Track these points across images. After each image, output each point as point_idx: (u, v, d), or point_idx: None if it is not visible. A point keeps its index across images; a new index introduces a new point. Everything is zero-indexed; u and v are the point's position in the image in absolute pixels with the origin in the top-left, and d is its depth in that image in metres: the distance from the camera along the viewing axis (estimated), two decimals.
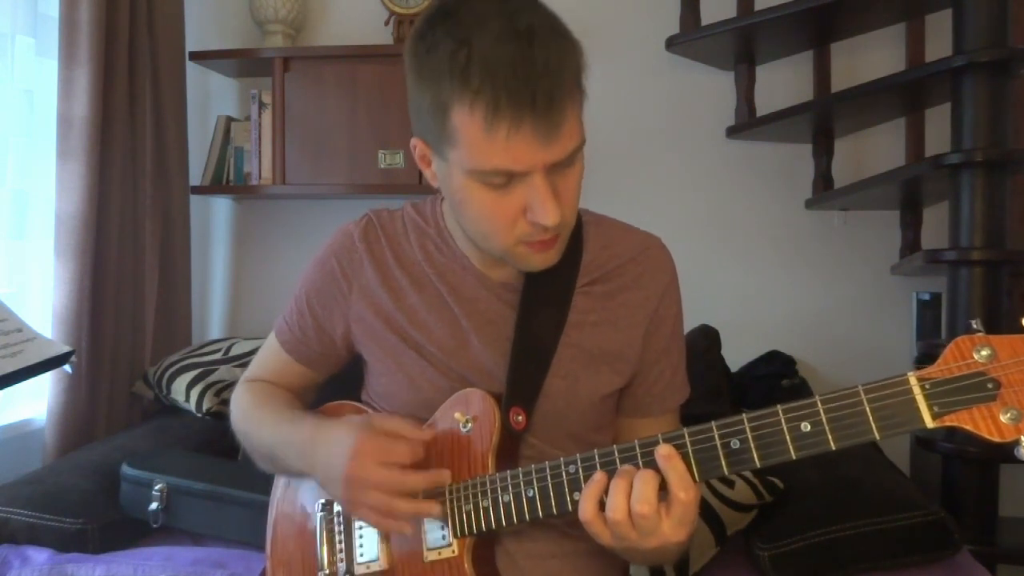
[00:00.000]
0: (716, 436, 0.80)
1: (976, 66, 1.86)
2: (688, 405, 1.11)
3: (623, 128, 2.43)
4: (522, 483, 0.89)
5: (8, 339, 1.26)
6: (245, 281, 2.66)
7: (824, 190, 2.28)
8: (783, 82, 2.36)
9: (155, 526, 1.60)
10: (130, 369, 2.19)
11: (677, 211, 2.43)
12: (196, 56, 2.43)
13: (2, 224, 1.96)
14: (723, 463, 0.80)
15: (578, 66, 0.85)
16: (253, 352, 2.15)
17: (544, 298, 1.00)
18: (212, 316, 2.68)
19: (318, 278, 1.09)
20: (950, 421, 0.73)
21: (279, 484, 1.13)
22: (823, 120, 2.25)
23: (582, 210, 1.07)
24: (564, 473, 0.87)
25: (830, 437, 0.76)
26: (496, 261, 1.01)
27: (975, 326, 0.74)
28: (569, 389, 1.00)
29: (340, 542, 1.01)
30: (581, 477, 0.86)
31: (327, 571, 1.00)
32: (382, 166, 2.31)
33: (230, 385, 2.07)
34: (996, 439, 0.72)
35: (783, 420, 0.78)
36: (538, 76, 0.80)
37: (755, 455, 0.79)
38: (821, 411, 0.77)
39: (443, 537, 0.94)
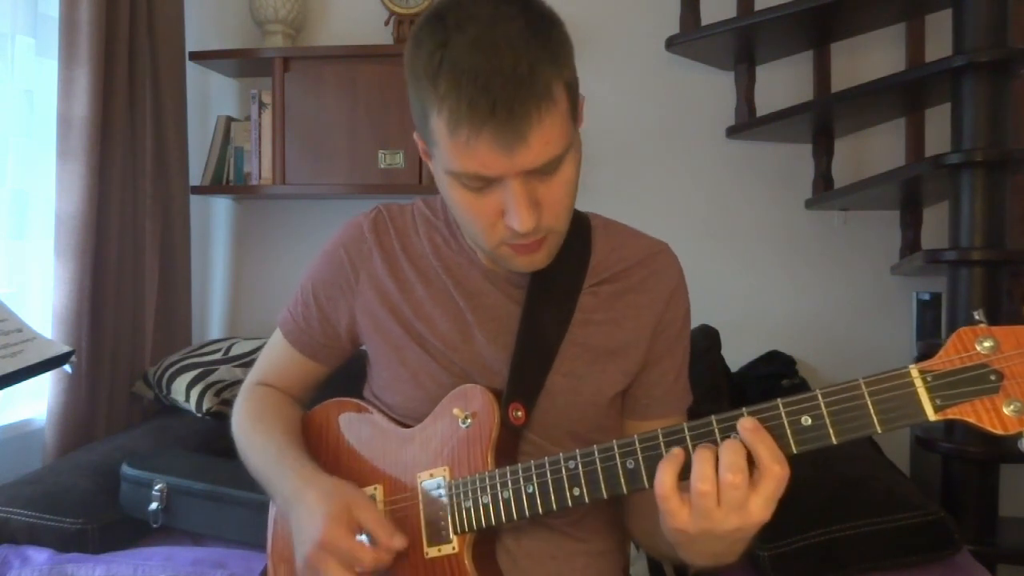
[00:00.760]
0: (716, 430, 0.80)
1: (976, 66, 1.86)
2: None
3: (623, 128, 2.43)
4: (522, 479, 0.89)
5: (8, 339, 1.26)
6: (245, 281, 2.66)
7: (824, 190, 2.28)
8: (783, 82, 2.36)
9: (155, 526, 1.60)
10: (130, 369, 2.19)
11: (677, 211, 2.43)
12: (196, 56, 2.43)
13: (2, 224, 1.96)
14: None
15: (555, 74, 0.83)
16: (253, 352, 2.15)
17: (550, 295, 1.00)
18: (212, 316, 2.68)
19: (325, 269, 1.09)
20: (952, 414, 0.72)
21: None
22: (823, 120, 2.25)
23: (591, 214, 1.08)
24: (564, 469, 0.87)
25: (831, 431, 0.75)
26: None
27: (977, 317, 0.73)
28: (571, 387, 1.00)
29: None
30: (581, 472, 0.86)
31: None
32: (382, 166, 2.31)
33: (230, 385, 2.07)
34: (999, 431, 0.71)
35: (783, 413, 0.77)
36: (500, 85, 0.80)
37: None
38: (822, 404, 0.76)
39: (443, 533, 0.94)
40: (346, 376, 1.17)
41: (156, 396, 2.14)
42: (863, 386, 0.75)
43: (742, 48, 2.30)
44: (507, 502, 0.90)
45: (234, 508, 1.56)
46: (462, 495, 0.93)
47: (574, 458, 0.87)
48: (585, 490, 0.86)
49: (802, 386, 2.17)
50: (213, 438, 1.91)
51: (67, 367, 1.38)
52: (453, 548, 0.93)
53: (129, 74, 2.13)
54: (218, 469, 1.64)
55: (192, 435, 1.95)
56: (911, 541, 1.37)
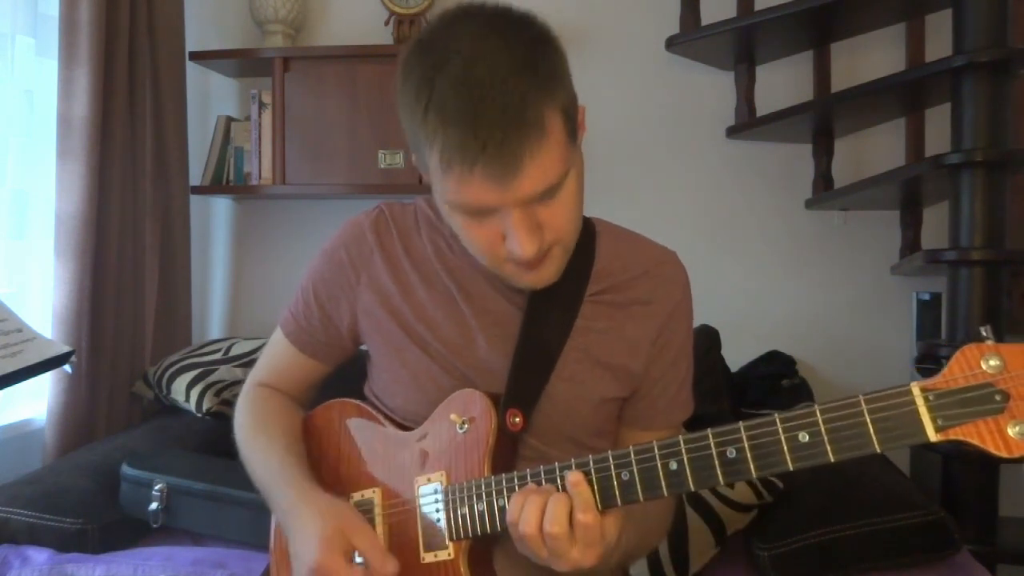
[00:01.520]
0: (712, 444, 0.79)
1: (976, 66, 1.86)
2: None
3: (623, 128, 2.43)
4: (517, 487, 0.88)
5: (8, 339, 1.26)
6: (245, 281, 2.66)
7: (824, 190, 2.28)
8: (783, 82, 2.36)
9: (155, 526, 1.60)
10: (130, 369, 2.19)
11: (677, 211, 2.43)
12: (196, 56, 2.43)
13: (2, 224, 1.96)
14: (718, 472, 0.78)
15: (547, 103, 0.82)
16: (253, 352, 2.15)
17: (552, 301, 1.00)
18: (212, 316, 2.68)
19: (326, 268, 1.08)
20: (954, 435, 0.70)
21: None
22: (823, 120, 2.25)
23: (596, 220, 1.07)
24: (559, 478, 0.86)
25: (828, 449, 0.73)
26: None
27: (985, 333, 0.70)
28: (571, 392, 1.00)
29: None
30: None
31: None
32: (382, 166, 2.31)
33: (230, 385, 2.07)
34: (1003, 454, 0.68)
35: (780, 430, 0.75)
36: (487, 126, 0.79)
37: (751, 465, 0.76)
38: (820, 421, 0.74)
39: (440, 539, 0.94)
40: (346, 376, 1.17)
41: (156, 396, 2.14)
42: (863, 403, 0.72)
43: (742, 48, 2.30)
44: (502, 510, 0.89)
45: (234, 508, 1.56)
46: (458, 501, 0.93)
47: (570, 467, 0.86)
48: None
49: (802, 386, 2.17)
50: (213, 438, 1.91)
51: (67, 367, 1.38)
52: (449, 554, 0.93)
53: (129, 74, 2.13)
54: (218, 469, 1.64)
55: (192, 435, 1.95)
56: (911, 541, 1.37)
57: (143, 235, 2.22)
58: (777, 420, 0.76)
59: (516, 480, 0.89)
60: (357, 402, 1.10)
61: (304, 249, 2.56)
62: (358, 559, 0.90)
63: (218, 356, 2.16)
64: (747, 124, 2.30)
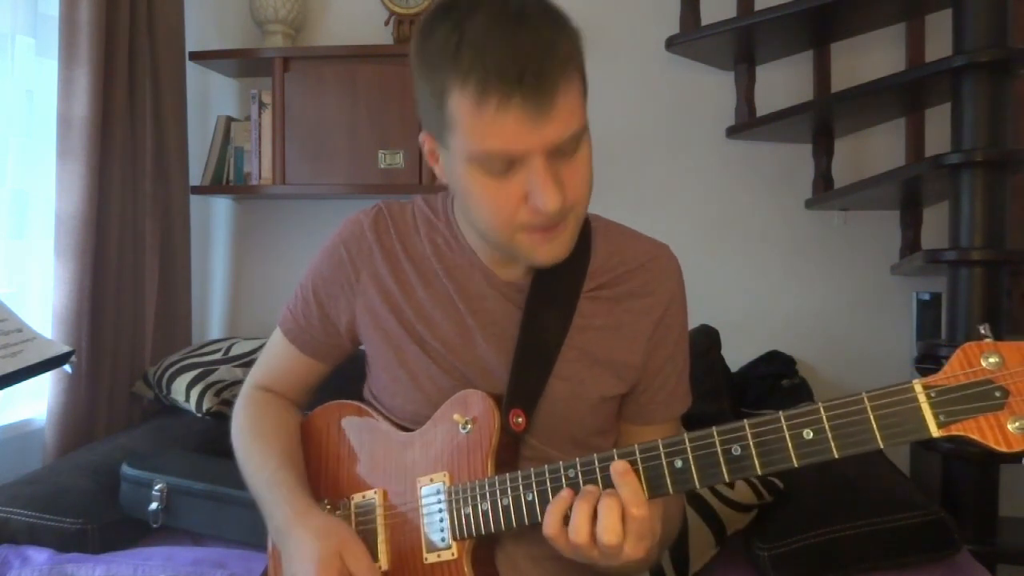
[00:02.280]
0: (717, 442, 0.79)
1: (976, 66, 1.86)
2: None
3: (623, 128, 2.43)
4: (521, 487, 0.89)
5: (8, 339, 1.26)
6: (245, 281, 2.66)
7: (824, 190, 2.28)
8: (783, 82, 2.36)
9: (155, 526, 1.60)
10: (130, 369, 2.19)
11: (677, 211, 2.43)
12: (196, 56, 2.43)
13: (2, 224, 1.96)
14: (724, 469, 0.79)
15: (573, 49, 0.86)
16: (253, 352, 2.15)
17: (550, 300, 1.00)
18: (212, 316, 2.68)
19: (325, 267, 1.08)
20: (956, 430, 0.71)
21: None
22: (823, 120, 2.25)
23: (591, 215, 1.06)
24: (564, 477, 0.87)
25: (833, 445, 0.75)
26: (505, 260, 1.00)
27: (983, 332, 0.72)
28: (571, 391, 1.00)
29: None
30: (581, 481, 0.86)
31: None
32: (382, 166, 2.31)
33: (230, 385, 2.07)
34: (1003, 449, 0.69)
35: (785, 427, 0.77)
36: (526, 54, 0.80)
37: (756, 462, 0.78)
38: (824, 418, 0.75)
39: (443, 539, 0.94)
40: (346, 376, 1.17)
41: (156, 396, 2.14)
42: (866, 400, 0.74)
43: (742, 48, 2.30)
44: (506, 509, 0.89)
45: (234, 508, 1.56)
46: (462, 501, 0.93)
47: (574, 467, 0.86)
48: None
49: (802, 386, 2.17)
50: (213, 438, 1.91)
51: (67, 367, 1.38)
52: (452, 554, 0.93)
53: (129, 74, 2.13)
54: (218, 469, 1.64)
55: (192, 435, 1.95)
56: (911, 541, 1.37)
57: (143, 235, 2.22)
58: (781, 417, 0.77)
59: (520, 480, 0.89)
60: (357, 403, 1.10)
61: (304, 249, 2.56)
62: None
63: (218, 356, 2.16)
64: (747, 124, 2.30)
